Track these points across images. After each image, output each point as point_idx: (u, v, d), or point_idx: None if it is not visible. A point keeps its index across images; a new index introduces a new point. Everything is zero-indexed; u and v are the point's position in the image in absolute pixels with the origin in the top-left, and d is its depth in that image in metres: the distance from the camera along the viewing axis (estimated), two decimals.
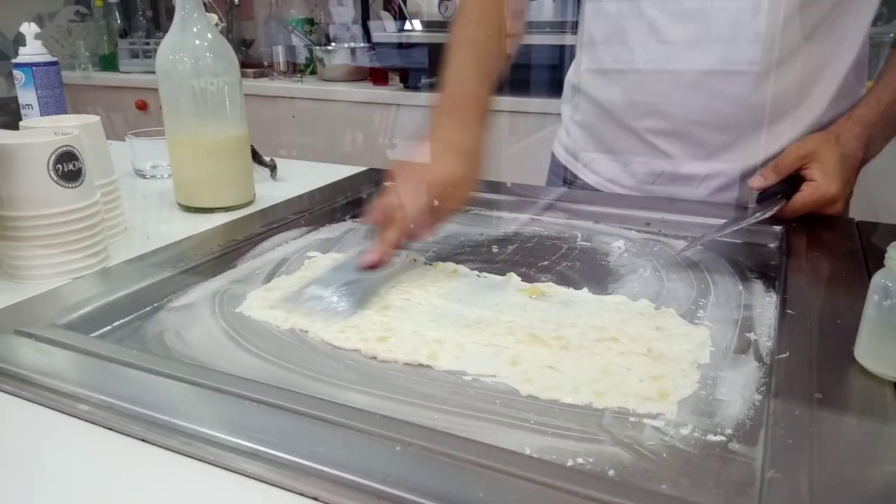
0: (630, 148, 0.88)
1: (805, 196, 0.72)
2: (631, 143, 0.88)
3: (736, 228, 0.71)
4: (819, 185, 0.72)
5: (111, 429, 0.41)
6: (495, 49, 0.79)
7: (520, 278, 0.65)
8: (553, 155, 1.03)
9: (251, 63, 2.53)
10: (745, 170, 0.83)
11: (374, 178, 0.95)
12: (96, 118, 0.74)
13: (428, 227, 0.66)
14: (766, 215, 0.71)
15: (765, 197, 0.74)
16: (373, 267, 0.63)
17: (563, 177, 0.99)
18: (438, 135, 0.71)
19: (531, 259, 0.71)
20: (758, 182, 0.74)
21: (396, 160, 0.68)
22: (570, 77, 0.98)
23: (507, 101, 1.85)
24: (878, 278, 0.45)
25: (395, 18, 2.24)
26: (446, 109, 0.73)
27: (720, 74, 0.78)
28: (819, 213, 0.74)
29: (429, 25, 2.06)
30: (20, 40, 0.99)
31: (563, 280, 0.65)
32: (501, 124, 1.89)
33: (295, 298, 0.60)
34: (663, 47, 0.80)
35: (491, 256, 0.72)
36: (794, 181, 0.74)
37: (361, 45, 2.35)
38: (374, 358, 0.51)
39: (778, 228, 0.72)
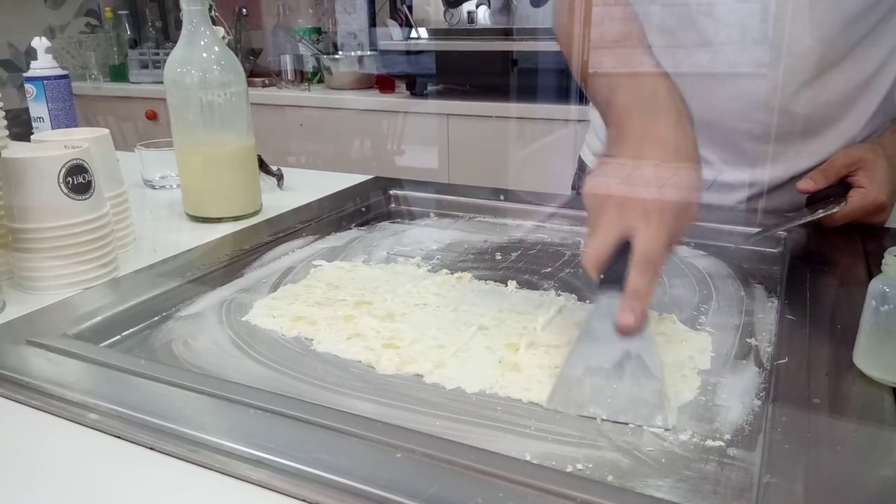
0: None
1: (854, 202, 0.71)
2: None
3: (806, 221, 0.71)
4: (868, 192, 0.71)
5: (119, 437, 0.42)
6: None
7: (518, 286, 0.66)
8: (580, 160, 1.02)
9: (259, 72, 2.55)
10: (783, 178, 0.82)
11: (380, 187, 0.95)
12: (105, 131, 0.75)
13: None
14: (830, 212, 0.70)
15: (813, 201, 0.73)
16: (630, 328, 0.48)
17: None
18: (653, 138, 0.54)
19: (534, 266, 0.72)
20: (808, 185, 0.73)
21: (595, 189, 0.53)
22: None
23: (528, 108, 1.86)
24: (875, 284, 0.45)
25: (401, 26, 2.26)
26: (664, 107, 0.56)
27: (761, 82, 0.77)
28: (865, 221, 0.72)
29: (435, 33, 2.07)
30: (32, 53, 1.01)
31: (566, 287, 0.66)
32: (524, 131, 1.90)
33: (572, 390, 0.47)
34: (705, 52, 0.79)
35: (494, 263, 0.73)
36: (841, 189, 0.73)
37: (368, 53, 2.37)
38: (374, 369, 0.51)
39: (781, 234, 0.73)
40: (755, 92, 0.78)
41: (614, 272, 0.49)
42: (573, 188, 1.02)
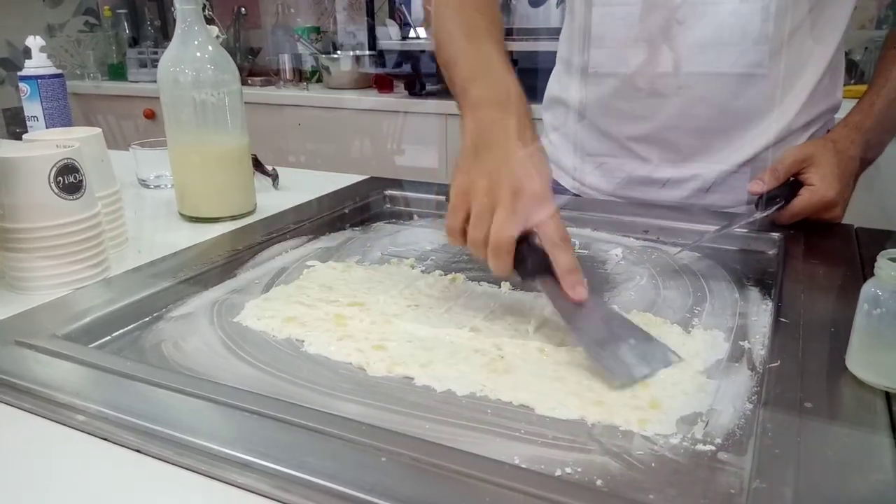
0: (611, 155, 0.89)
1: (804, 200, 0.72)
2: (609, 148, 0.89)
3: (727, 231, 0.72)
4: (817, 189, 0.72)
5: (106, 439, 0.41)
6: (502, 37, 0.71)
7: (511, 287, 0.66)
8: None
9: (258, 71, 2.55)
10: (721, 173, 0.84)
11: (376, 187, 0.95)
12: (98, 130, 0.75)
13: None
14: (759, 217, 0.72)
15: (764, 201, 0.74)
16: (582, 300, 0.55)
17: None
18: (522, 137, 0.59)
19: None
20: (757, 186, 0.74)
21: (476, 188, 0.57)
22: (551, 84, 0.98)
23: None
24: (867, 287, 0.45)
25: (400, 26, 2.26)
26: (512, 107, 0.61)
27: (697, 79, 0.79)
28: (817, 217, 0.74)
29: None
30: (29, 52, 1.01)
31: None
32: None
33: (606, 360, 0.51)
34: (641, 53, 0.81)
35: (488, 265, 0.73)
36: (793, 187, 0.74)
37: (367, 52, 2.37)
38: (364, 370, 0.51)
39: (776, 236, 0.72)
40: (688, 88, 0.80)
41: (524, 263, 0.56)
42: None
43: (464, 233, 0.58)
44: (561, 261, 0.54)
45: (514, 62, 2.10)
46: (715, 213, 0.83)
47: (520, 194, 0.55)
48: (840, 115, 0.86)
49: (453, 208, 0.58)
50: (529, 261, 0.56)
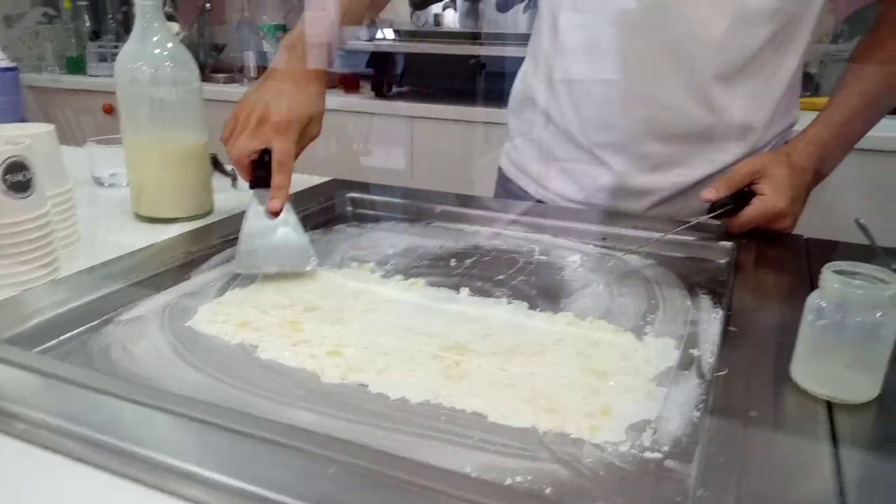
0: (577, 161, 0.90)
1: (754, 209, 0.74)
2: (576, 156, 0.90)
3: (675, 238, 0.75)
4: (768, 200, 0.74)
5: (46, 448, 0.40)
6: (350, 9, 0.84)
7: (470, 293, 0.66)
8: (500, 169, 1.04)
9: (222, 68, 2.51)
10: (687, 183, 0.86)
11: (339, 189, 0.94)
12: (51, 127, 0.73)
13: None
14: (705, 219, 0.75)
15: (716, 209, 0.76)
16: (278, 213, 0.72)
17: (511, 190, 1.00)
18: (285, 73, 0.77)
19: (487, 273, 0.72)
20: (710, 194, 0.76)
21: (244, 103, 0.75)
22: (517, 89, 0.99)
23: (495, 113, 1.86)
24: (812, 299, 0.46)
25: (367, 26, 2.25)
26: (292, 47, 0.78)
27: (666, 88, 0.80)
28: (768, 227, 0.75)
29: (401, 34, 2.06)
30: None
31: (518, 294, 0.66)
32: (490, 135, 1.90)
33: (250, 256, 0.69)
34: (609, 60, 0.82)
35: (448, 270, 0.73)
36: (745, 197, 0.75)
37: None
38: (318, 377, 0.51)
39: (728, 244, 0.74)
40: (656, 96, 0.82)
41: (259, 174, 0.73)
42: (495, 196, 1.05)
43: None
44: (274, 179, 0.72)
45: (482, 66, 2.10)
46: (672, 220, 0.84)
47: (262, 120, 0.72)
48: (798, 128, 0.88)
49: (225, 124, 0.75)
50: (255, 175, 0.73)
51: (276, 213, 0.71)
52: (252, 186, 0.74)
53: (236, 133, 0.73)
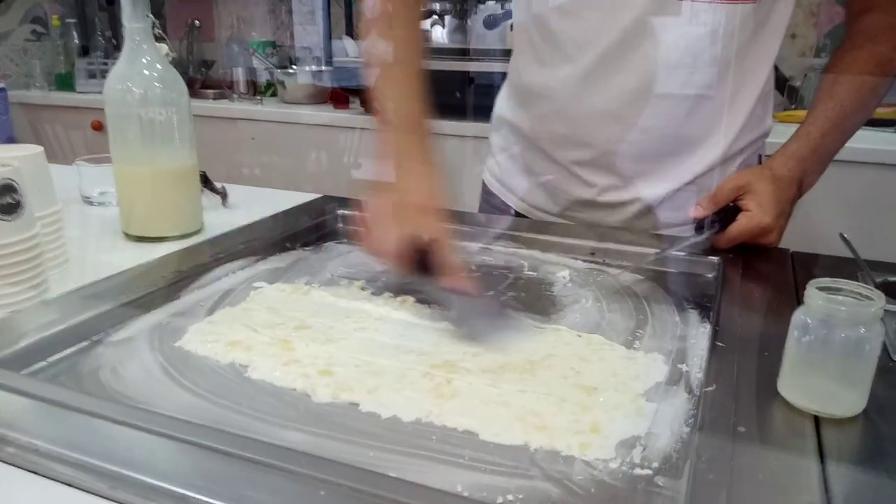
0: (554, 176, 0.91)
1: (740, 225, 0.75)
2: (554, 172, 0.91)
3: (666, 255, 0.75)
4: (754, 215, 0.75)
5: (36, 472, 0.40)
6: (422, 64, 0.80)
7: None
8: (483, 183, 1.05)
9: (211, 84, 2.52)
10: (662, 195, 0.87)
11: (328, 206, 0.95)
12: (39, 149, 0.73)
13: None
14: (696, 240, 0.75)
15: (702, 226, 0.76)
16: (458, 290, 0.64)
17: (494, 204, 1.02)
18: (412, 155, 0.72)
19: None
20: (697, 212, 0.77)
21: (370, 188, 0.71)
22: (499, 104, 1.00)
23: (483, 128, 1.86)
24: (797, 315, 0.47)
25: (357, 42, 2.26)
26: (407, 129, 0.74)
27: (638, 106, 0.81)
28: (754, 242, 0.76)
29: None
30: None
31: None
32: (479, 150, 1.91)
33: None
34: (581, 79, 0.83)
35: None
36: (731, 212, 0.76)
37: (323, 68, 2.36)
38: (309, 397, 0.51)
39: (715, 259, 0.75)
40: (627, 114, 0.83)
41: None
42: (480, 210, 1.06)
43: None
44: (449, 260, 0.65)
45: (470, 80, 2.12)
46: (658, 235, 0.85)
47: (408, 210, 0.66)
48: (771, 139, 0.90)
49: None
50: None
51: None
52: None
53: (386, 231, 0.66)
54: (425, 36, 0.83)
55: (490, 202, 1.03)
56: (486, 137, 1.88)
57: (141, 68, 0.79)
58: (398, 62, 0.78)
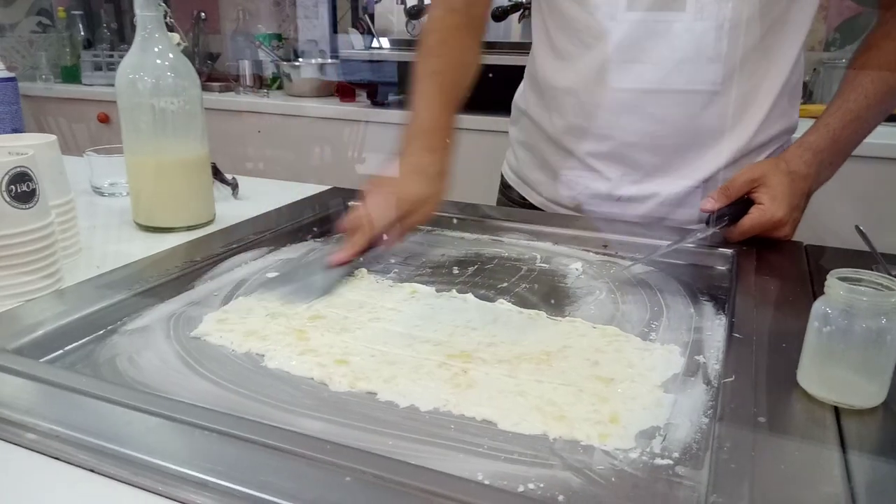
0: (570, 170, 0.91)
1: (753, 219, 0.74)
2: (571, 165, 0.91)
3: (677, 247, 0.75)
4: (766, 209, 0.74)
5: (58, 458, 0.40)
6: (458, 79, 0.85)
7: (477, 299, 0.66)
8: (502, 176, 1.05)
9: (217, 77, 2.51)
10: (680, 191, 0.86)
11: (337, 197, 0.95)
12: (53, 137, 0.73)
13: (392, 238, 0.74)
14: (708, 233, 0.74)
15: (715, 219, 0.76)
16: (340, 265, 0.70)
17: (511, 198, 1.02)
18: (408, 157, 0.78)
19: (490, 280, 0.72)
20: (708, 204, 0.76)
21: (370, 176, 0.77)
22: (517, 98, 1.00)
23: (489, 121, 1.86)
24: (818, 305, 0.47)
25: (362, 35, 2.25)
26: (416, 134, 0.80)
27: (655, 97, 0.81)
28: (767, 236, 0.76)
29: (396, 43, 2.07)
30: None
31: (522, 302, 0.66)
32: (485, 142, 1.90)
33: (267, 286, 0.68)
34: (598, 71, 0.83)
35: (451, 278, 0.73)
36: (744, 205, 0.76)
37: (329, 61, 2.36)
38: (326, 386, 0.51)
39: (729, 251, 0.74)
40: (645, 106, 0.82)
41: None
42: (498, 203, 1.06)
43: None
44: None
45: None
46: (671, 228, 0.85)
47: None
48: (797, 135, 0.89)
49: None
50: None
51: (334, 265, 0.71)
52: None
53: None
54: (479, 58, 0.87)
55: (508, 196, 1.03)
56: (493, 131, 1.88)
57: (153, 57, 0.79)
58: (430, 75, 0.83)
